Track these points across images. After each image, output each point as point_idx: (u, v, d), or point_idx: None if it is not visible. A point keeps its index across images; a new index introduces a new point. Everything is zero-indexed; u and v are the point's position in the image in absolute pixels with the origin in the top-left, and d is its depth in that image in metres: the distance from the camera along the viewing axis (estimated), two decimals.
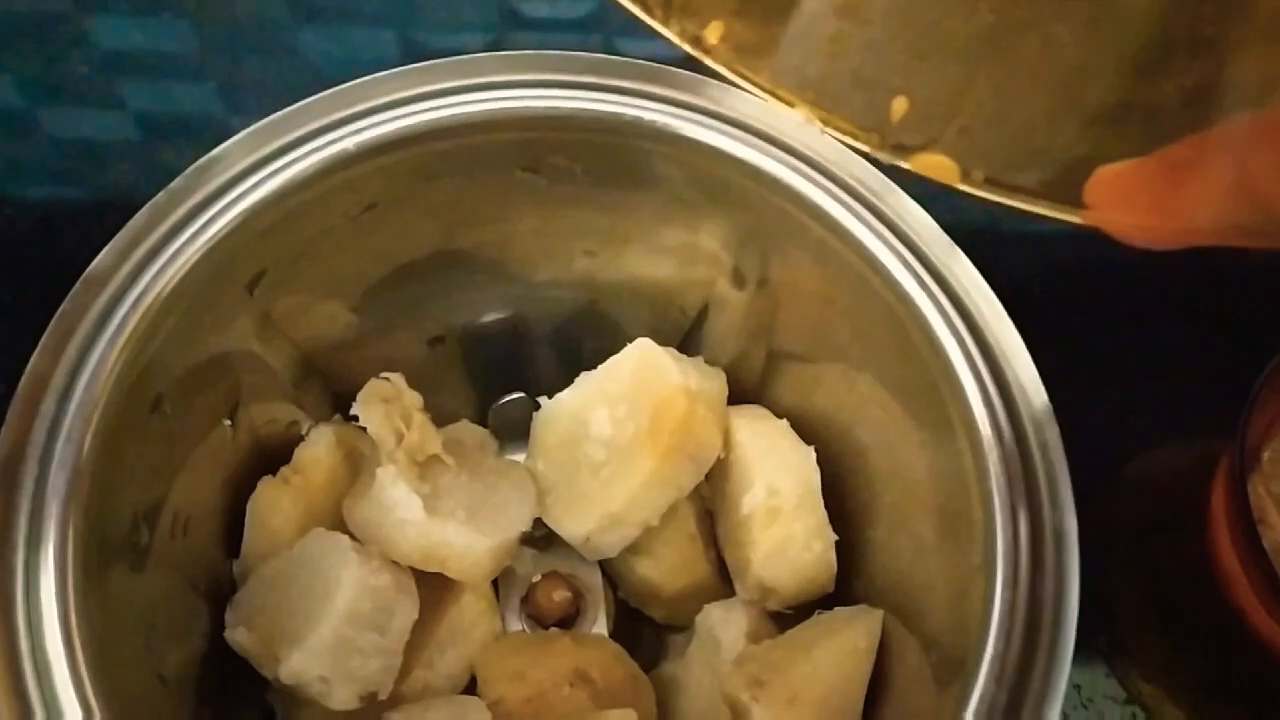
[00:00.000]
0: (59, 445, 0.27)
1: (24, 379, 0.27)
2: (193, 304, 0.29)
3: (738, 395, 0.38)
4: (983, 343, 0.30)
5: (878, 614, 0.33)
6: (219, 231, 0.29)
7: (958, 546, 0.31)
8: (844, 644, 0.32)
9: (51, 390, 0.27)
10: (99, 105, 0.50)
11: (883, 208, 0.31)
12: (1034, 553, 0.28)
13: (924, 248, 0.30)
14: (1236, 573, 0.40)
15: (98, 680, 0.25)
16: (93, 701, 0.25)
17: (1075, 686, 0.43)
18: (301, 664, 0.31)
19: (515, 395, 0.41)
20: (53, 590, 0.26)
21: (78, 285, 0.28)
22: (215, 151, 0.30)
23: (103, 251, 0.29)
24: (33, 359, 0.28)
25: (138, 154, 0.49)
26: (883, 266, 0.31)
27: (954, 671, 0.28)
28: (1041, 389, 0.29)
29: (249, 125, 0.30)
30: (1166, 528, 0.45)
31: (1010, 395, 0.29)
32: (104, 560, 0.28)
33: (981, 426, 0.29)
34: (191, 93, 0.50)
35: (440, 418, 0.36)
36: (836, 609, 0.34)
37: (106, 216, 0.30)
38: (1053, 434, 0.29)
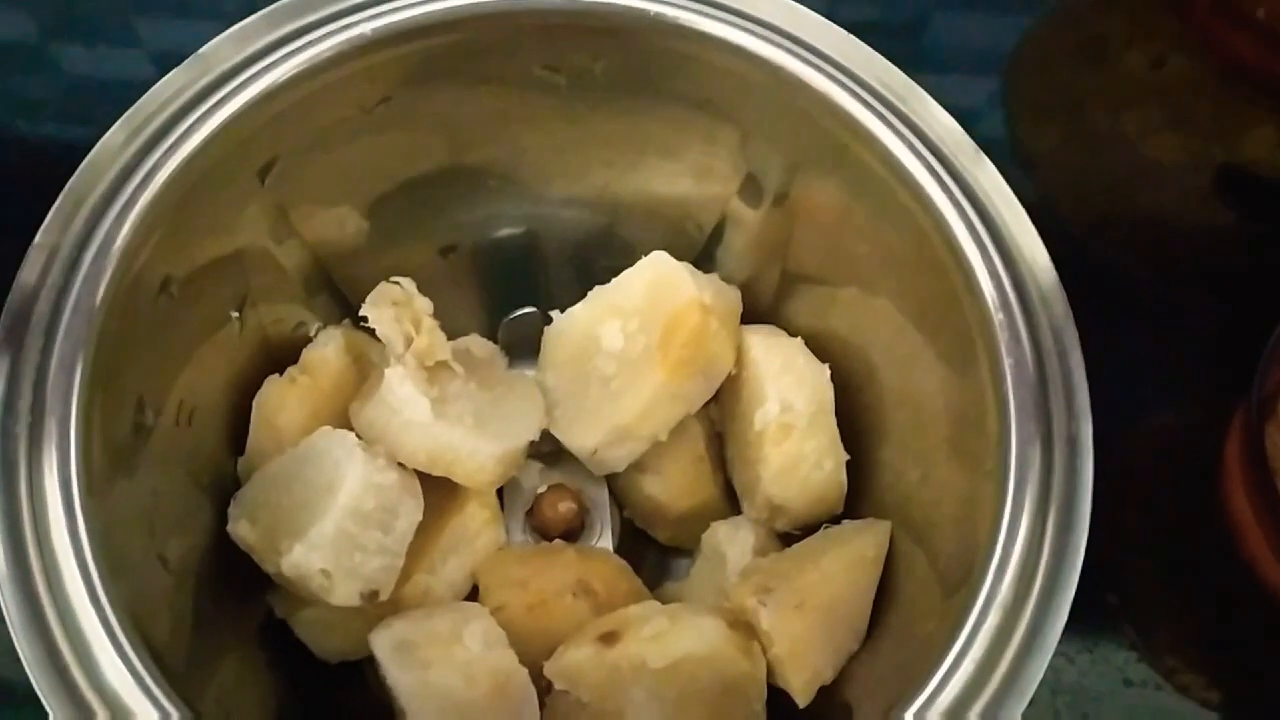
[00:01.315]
0: (65, 316, 0.26)
1: (31, 250, 0.27)
2: (202, 185, 0.29)
3: (751, 315, 0.38)
4: (1004, 250, 0.29)
5: (886, 525, 0.33)
6: (231, 112, 0.29)
7: (968, 459, 0.30)
8: (852, 553, 0.32)
9: (59, 262, 0.27)
10: (115, 43, 0.49)
11: (907, 111, 0.30)
12: (1046, 458, 0.27)
13: (948, 153, 0.30)
14: (1249, 523, 0.40)
15: (98, 550, 0.25)
16: (93, 569, 0.25)
17: (1082, 640, 0.42)
18: (303, 556, 0.31)
19: (526, 310, 0.41)
20: (55, 462, 0.26)
21: (86, 160, 0.28)
22: (231, 30, 0.29)
23: (112, 128, 0.28)
24: (40, 231, 0.27)
25: None
26: (906, 171, 0.30)
27: (960, 579, 0.28)
28: (1062, 295, 0.29)
29: None
30: (1178, 482, 0.44)
31: (1030, 302, 0.29)
32: (109, 437, 0.27)
33: (999, 333, 0.29)
34: (208, 31, 0.49)
35: (450, 331, 0.36)
36: (844, 522, 0.34)
37: None
38: (1071, 341, 0.28)
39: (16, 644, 0.25)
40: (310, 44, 0.30)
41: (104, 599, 0.25)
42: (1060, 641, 0.27)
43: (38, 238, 0.27)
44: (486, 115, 0.35)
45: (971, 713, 0.26)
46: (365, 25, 0.30)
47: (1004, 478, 0.27)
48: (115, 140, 0.28)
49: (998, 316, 0.29)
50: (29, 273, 0.27)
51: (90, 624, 0.25)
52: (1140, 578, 0.43)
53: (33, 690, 0.24)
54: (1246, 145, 0.49)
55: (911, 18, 0.49)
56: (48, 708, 0.24)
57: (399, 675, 0.31)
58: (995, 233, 0.29)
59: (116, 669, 0.24)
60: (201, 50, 0.30)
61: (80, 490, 0.25)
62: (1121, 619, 0.42)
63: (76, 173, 0.28)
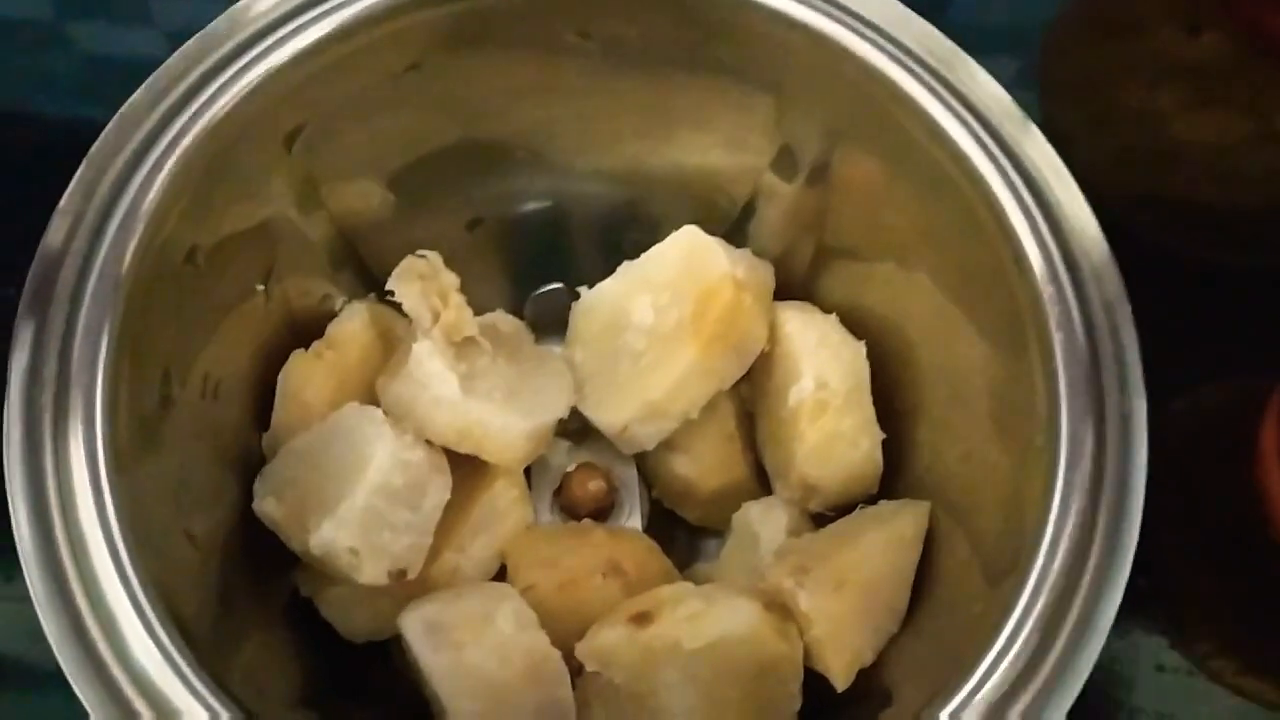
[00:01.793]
0: (90, 283, 0.26)
1: (55, 215, 0.26)
2: (228, 151, 0.28)
3: (784, 291, 0.37)
4: (1053, 222, 0.28)
5: (925, 504, 0.32)
6: (257, 77, 0.28)
7: (1013, 438, 0.30)
8: (891, 533, 0.31)
9: (83, 229, 0.26)
10: (129, 22, 0.48)
11: (951, 77, 0.29)
12: (1099, 436, 0.27)
13: (994, 121, 0.29)
14: None
15: (125, 524, 0.25)
16: (120, 543, 0.24)
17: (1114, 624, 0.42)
18: (331, 534, 0.30)
19: (553, 285, 0.40)
20: (80, 433, 0.25)
21: (111, 124, 0.27)
22: None
23: (136, 93, 0.28)
24: (64, 197, 0.27)
25: None
26: (951, 140, 0.29)
27: (1008, 561, 0.27)
28: (1115, 269, 0.28)
29: None
30: (1213, 464, 0.44)
31: (1081, 276, 0.28)
32: (135, 408, 0.27)
33: (1049, 307, 0.28)
34: (221, 9, 0.48)
35: (476, 307, 0.35)
36: (881, 502, 0.33)
37: None
38: (1124, 316, 0.28)
39: (41, 619, 0.24)
40: (339, 6, 0.29)
41: (131, 574, 0.24)
42: None
43: (62, 203, 0.26)
44: (516, 84, 0.34)
45: (1017, 707, 0.25)
46: None
47: (1055, 457, 0.27)
48: (139, 105, 0.28)
49: (1047, 290, 0.28)
50: (53, 239, 0.26)
51: (118, 599, 0.24)
52: (1173, 562, 0.42)
53: (58, 675, 0.24)
54: None
55: None
56: (76, 690, 0.23)
57: (432, 658, 0.30)
58: (1044, 204, 0.28)
59: (144, 646, 0.24)
60: (228, 11, 0.29)
61: (107, 462, 0.25)
62: (1153, 603, 0.41)
63: (100, 137, 0.27)
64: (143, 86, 0.28)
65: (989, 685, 0.25)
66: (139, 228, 0.26)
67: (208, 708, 0.24)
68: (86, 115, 0.46)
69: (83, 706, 0.24)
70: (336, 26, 0.29)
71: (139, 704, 0.23)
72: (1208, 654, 0.41)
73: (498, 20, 0.31)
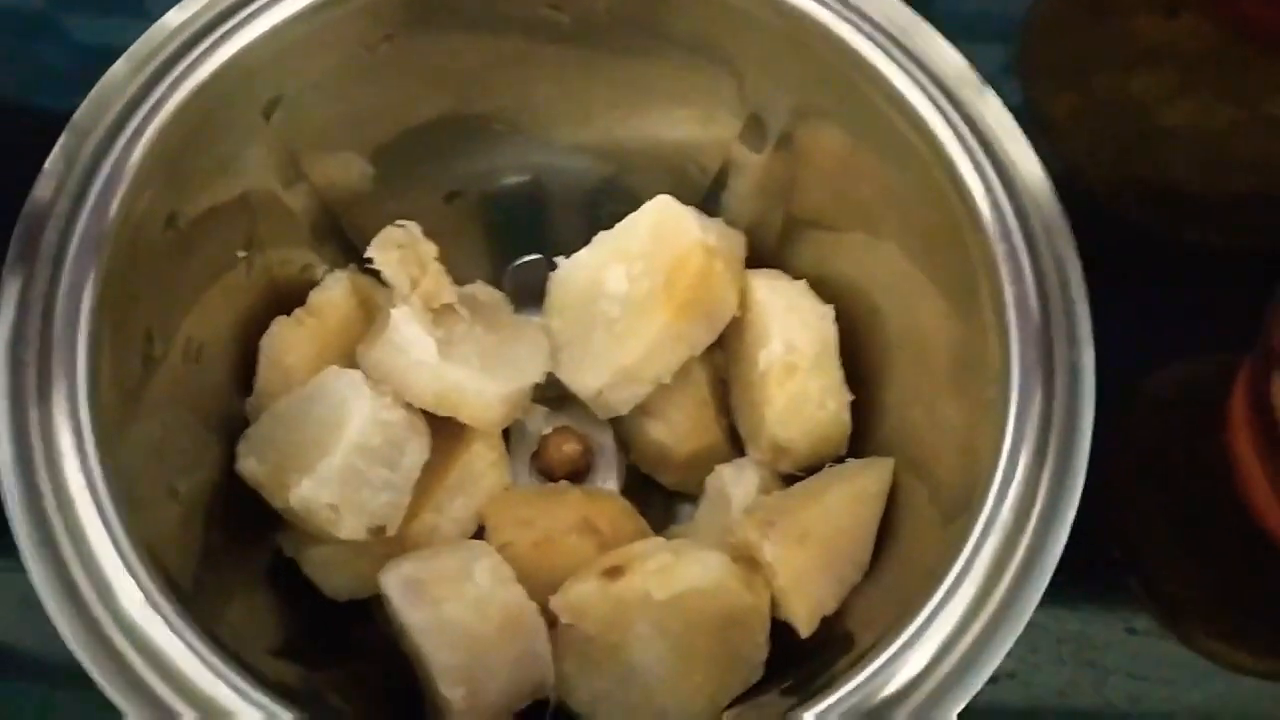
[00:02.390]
0: (73, 245, 0.27)
1: (39, 180, 0.27)
2: (208, 120, 0.29)
3: (755, 260, 0.38)
4: (1008, 181, 0.29)
5: (889, 461, 0.33)
6: (236, 47, 0.29)
7: (969, 393, 0.31)
8: (855, 488, 0.32)
9: (65, 193, 0.27)
10: (121, 12, 0.49)
11: (910, 45, 0.30)
12: (1047, 386, 0.28)
13: (952, 87, 0.30)
14: (1253, 473, 0.40)
15: (109, 479, 0.25)
16: (104, 497, 0.25)
17: (1086, 591, 0.43)
18: (311, 490, 0.31)
19: (532, 257, 0.41)
20: (64, 390, 0.26)
21: (91, 94, 0.28)
22: None
23: (117, 62, 0.29)
24: (47, 162, 0.27)
25: None
26: (911, 107, 0.30)
27: (959, 509, 0.28)
28: (1065, 226, 0.29)
29: None
30: (1185, 433, 0.44)
31: (1033, 232, 0.29)
32: (118, 368, 0.28)
33: (1002, 264, 0.29)
34: None
35: (456, 278, 0.36)
36: (848, 459, 0.34)
37: None
38: (1074, 270, 0.28)
39: (30, 573, 0.25)
40: None
41: (118, 529, 0.25)
42: (1063, 592, 0.27)
43: (46, 165, 0.27)
44: (491, 57, 0.35)
45: (968, 636, 0.26)
46: None
47: (1005, 406, 0.28)
48: (119, 73, 0.28)
49: (1000, 247, 0.29)
50: (38, 197, 0.27)
51: (106, 554, 0.25)
52: (1144, 530, 0.43)
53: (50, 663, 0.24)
54: (1264, 106, 0.49)
55: None
56: (64, 638, 0.24)
57: (411, 613, 0.31)
58: (999, 164, 0.29)
59: (133, 598, 0.25)
60: None
61: (90, 418, 0.26)
62: (1125, 571, 0.42)
63: (82, 105, 0.28)
64: (122, 57, 0.29)
65: (942, 615, 0.26)
66: (120, 192, 0.27)
67: (196, 653, 0.25)
68: (79, 105, 0.47)
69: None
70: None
71: (131, 654, 0.24)
72: (1179, 617, 0.41)
73: None
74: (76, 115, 0.28)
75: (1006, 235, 0.29)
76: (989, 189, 0.29)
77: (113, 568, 0.25)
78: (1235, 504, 0.41)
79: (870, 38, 0.30)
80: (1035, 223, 0.29)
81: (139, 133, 0.28)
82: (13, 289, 0.26)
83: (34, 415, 0.26)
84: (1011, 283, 0.28)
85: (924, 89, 0.30)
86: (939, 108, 0.30)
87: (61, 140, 0.28)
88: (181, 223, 0.30)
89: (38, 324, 0.26)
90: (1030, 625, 0.27)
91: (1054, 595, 0.27)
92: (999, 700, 0.38)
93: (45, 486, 0.25)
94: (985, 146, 0.30)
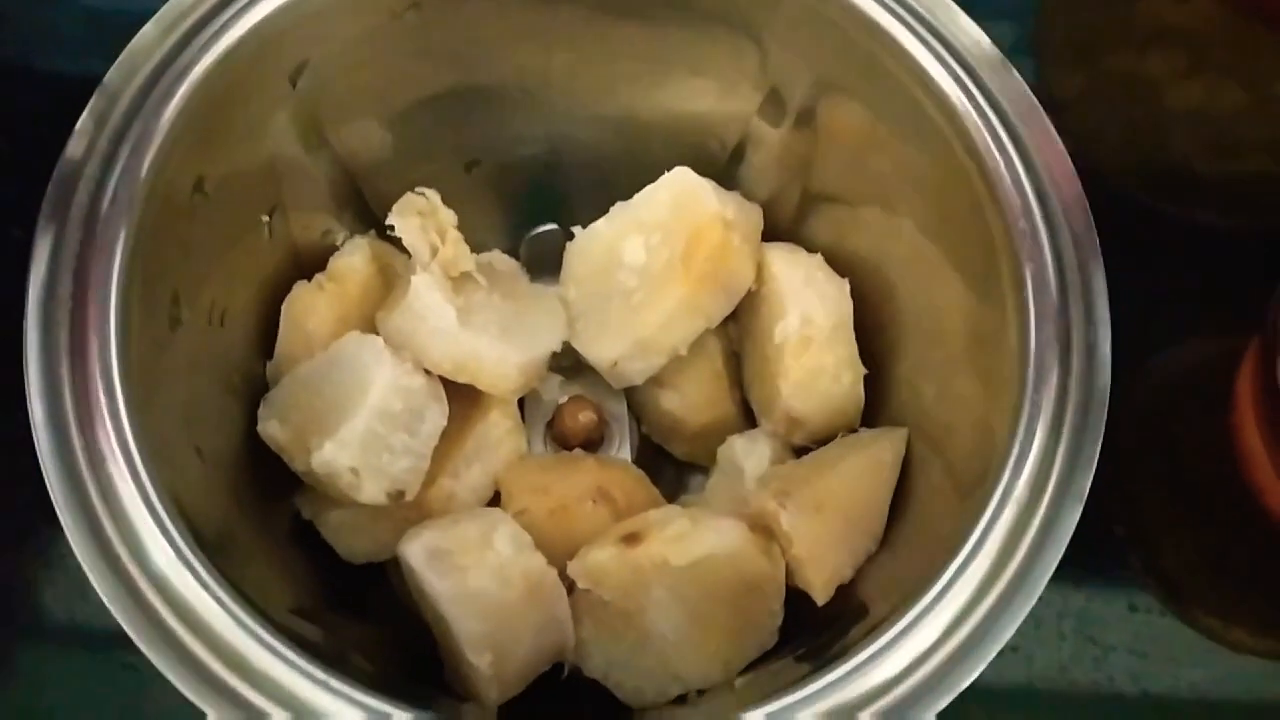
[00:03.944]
0: (104, 204, 0.27)
1: (70, 143, 0.27)
2: (235, 85, 0.29)
3: (771, 234, 0.38)
4: (1028, 159, 0.29)
5: (903, 431, 0.33)
6: (263, 12, 0.29)
7: (985, 369, 0.31)
8: (869, 458, 0.33)
9: (96, 154, 0.27)
10: None
11: (934, 21, 0.30)
12: (1064, 363, 0.28)
13: (974, 64, 0.30)
14: (1258, 453, 0.40)
15: (139, 434, 0.26)
16: (135, 452, 0.25)
17: (1089, 568, 0.43)
18: (333, 454, 0.31)
19: (548, 227, 0.41)
20: (96, 347, 0.26)
21: (122, 55, 0.28)
22: None
23: (146, 25, 0.29)
24: (78, 125, 0.28)
25: None
26: (933, 82, 0.30)
27: (974, 482, 0.29)
28: (1085, 205, 0.29)
29: None
30: (1190, 413, 0.45)
31: (1052, 210, 0.29)
32: (146, 328, 0.28)
33: (1021, 241, 0.29)
34: None
35: (473, 247, 0.36)
36: (861, 429, 0.34)
37: None
38: (1092, 249, 0.29)
39: (63, 523, 0.25)
40: None
41: (148, 484, 0.25)
42: (1066, 568, 0.27)
43: (78, 125, 0.27)
44: (513, 25, 0.35)
45: (981, 607, 0.27)
46: None
47: (1022, 381, 0.28)
48: (149, 36, 0.29)
49: (1020, 224, 0.29)
50: (71, 156, 0.27)
51: (136, 508, 0.25)
52: (1148, 509, 0.43)
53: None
54: (1274, 87, 0.49)
55: None
56: (98, 592, 0.25)
57: (437, 583, 0.31)
58: (1019, 142, 0.30)
59: (161, 549, 0.25)
60: None
61: (121, 377, 0.26)
62: (1129, 550, 0.42)
63: (113, 67, 0.28)
64: (152, 20, 0.29)
65: (958, 585, 0.26)
66: (150, 154, 0.27)
67: (219, 601, 0.25)
68: (88, 70, 0.46)
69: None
70: None
71: (158, 603, 0.25)
72: (1181, 596, 0.42)
73: None
74: (107, 77, 0.28)
75: (1027, 212, 0.29)
76: (1009, 166, 0.29)
77: (143, 524, 0.25)
78: (1239, 484, 0.41)
79: (893, 12, 0.31)
80: (1054, 201, 0.29)
81: (168, 95, 0.28)
82: (44, 248, 0.27)
83: (66, 374, 0.26)
84: (1030, 259, 0.29)
85: (946, 64, 0.30)
86: (961, 83, 0.30)
87: (92, 102, 0.28)
88: (208, 186, 0.30)
89: (69, 284, 0.26)
90: None
91: (1057, 571, 0.28)
92: (1001, 674, 0.39)
93: (77, 443, 0.26)
94: (1006, 124, 0.30)
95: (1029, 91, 0.30)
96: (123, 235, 0.27)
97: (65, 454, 0.25)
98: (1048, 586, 0.27)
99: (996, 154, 0.30)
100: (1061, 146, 0.30)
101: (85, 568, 0.25)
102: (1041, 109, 0.30)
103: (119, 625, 0.25)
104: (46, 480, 0.25)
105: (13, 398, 0.26)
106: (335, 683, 0.25)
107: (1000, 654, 0.27)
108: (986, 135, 0.30)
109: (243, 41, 0.29)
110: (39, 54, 0.47)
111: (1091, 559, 0.41)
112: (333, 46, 0.32)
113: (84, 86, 0.38)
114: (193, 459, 0.30)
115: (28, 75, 0.46)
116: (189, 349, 0.31)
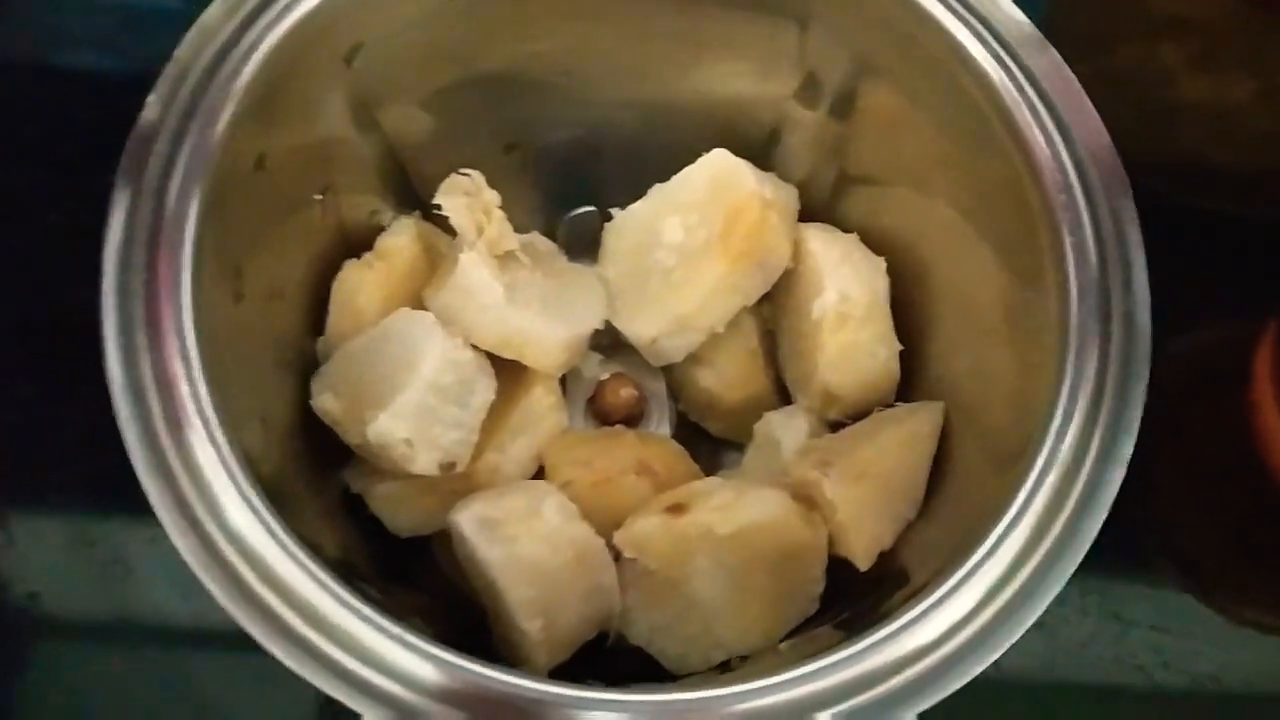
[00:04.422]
0: (176, 177, 0.28)
1: (139, 122, 0.28)
2: (297, 62, 0.30)
3: (805, 214, 0.39)
4: (1066, 134, 0.30)
5: (939, 405, 0.34)
6: None
7: (1021, 344, 0.32)
8: (907, 430, 0.33)
9: (166, 126, 0.28)
10: None
11: (972, 1, 0.31)
12: (1104, 334, 0.29)
13: (1013, 41, 0.31)
14: (1276, 430, 0.41)
15: (216, 401, 0.27)
16: (209, 413, 0.26)
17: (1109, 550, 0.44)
18: (388, 425, 0.32)
19: (586, 209, 0.42)
20: (172, 317, 0.27)
21: (190, 33, 0.29)
22: None
23: (212, 4, 0.30)
24: (146, 104, 0.28)
25: (184, 24, 0.48)
26: (973, 60, 0.31)
27: (1015, 451, 0.29)
28: (1123, 177, 0.30)
29: None
30: (1208, 394, 0.45)
31: (1091, 184, 0.30)
32: (214, 303, 0.29)
33: (1061, 214, 0.30)
34: None
35: (513, 229, 0.37)
36: (896, 404, 0.35)
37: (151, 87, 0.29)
38: (1130, 221, 0.30)
39: (144, 486, 0.26)
40: None
41: (224, 446, 0.26)
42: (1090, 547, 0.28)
43: (150, 97, 0.28)
44: (553, 8, 0.36)
45: (1025, 570, 0.27)
46: None
47: (1063, 354, 0.29)
48: (214, 16, 0.29)
49: (1060, 198, 0.30)
50: (146, 119, 0.28)
51: (214, 469, 0.26)
52: (1169, 490, 0.44)
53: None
54: None
55: None
56: (179, 550, 0.25)
57: (488, 550, 0.32)
58: (1057, 118, 0.30)
59: (238, 506, 0.26)
60: None
61: (197, 344, 0.27)
62: (1149, 531, 0.43)
63: (181, 44, 0.29)
64: (216, 1, 0.30)
65: (988, 564, 0.27)
66: (218, 128, 0.28)
67: (297, 561, 0.26)
68: (105, 67, 0.47)
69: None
70: None
71: (235, 559, 0.25)
72: (1201, 576, 0.43)
73: None
74: (176, 52, 0.29)
75: (1066, 187, 0.30)
76: (1049, 141, 0.30)
77: (221, 485, 0.26)
78: (1256, 463, 0.42)
79: None
80: (1093, 175, 0.30)
81: (235, 74, 0.29)
82: (119, 216, 0.27)
83: (142, 341, 0.27)
84: (1070, 233, 0.29)
85: (985, 42, 0.31)
86: (1000, 60, 0.31)
87: (160, 81, 0.29)
88: (269, 164, 0.31)
89: (144, 252, 0.27)
90: None
91: None
92: (1022, 647, 0.39)
93: (155, 408, 0.26)
94: (1045, 99, 0.31)
95: (1066, 67, 0.31)
96: (195, 205, 0.28)
97: (144, 419, 0.26)
98: None
99: (1036, 129, 0.30)
100: (1099, 121, 0.30)
101: (166, 526, 0.25)
102: (1079, 84, 0.31)
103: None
104: (126, 445, 0.26)
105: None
106: (407, 635, 0.25)
107: None
108: (1026, 110, 0.31)
109: (304, 22, 0.30)
110: (58, 52, 0.47)
111: (1112, 536, 0.42)
112: (387, 28, 0.33)
113: (103, 84, 0.39)
114: (258, 428, 0.30)
115: (47, 73, 0.46)
116: (249, 322, 0.31)
